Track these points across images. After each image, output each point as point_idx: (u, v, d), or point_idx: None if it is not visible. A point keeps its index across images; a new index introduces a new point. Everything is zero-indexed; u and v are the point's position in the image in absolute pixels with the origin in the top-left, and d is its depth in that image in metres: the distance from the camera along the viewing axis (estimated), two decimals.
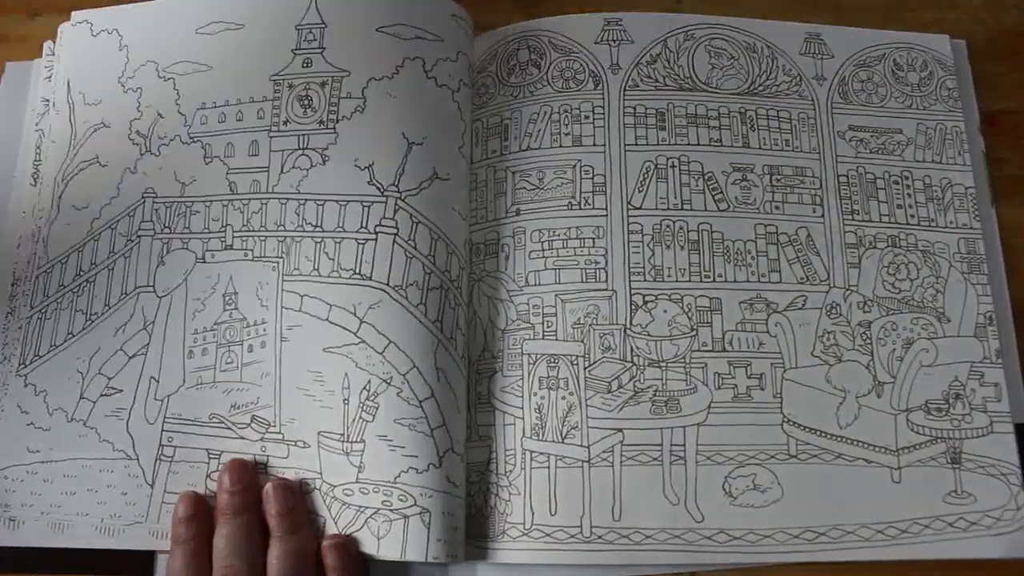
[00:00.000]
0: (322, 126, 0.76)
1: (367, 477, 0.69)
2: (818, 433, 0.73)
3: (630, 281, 0.76)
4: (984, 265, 0.77)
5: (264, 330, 0.74)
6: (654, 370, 0.75)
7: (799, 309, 0.76)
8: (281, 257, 0.75)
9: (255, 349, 0.74)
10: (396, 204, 0.74)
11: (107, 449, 0.73)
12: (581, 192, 0.79)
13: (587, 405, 0.73)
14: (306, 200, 0.75)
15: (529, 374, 0.74)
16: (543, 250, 0.77)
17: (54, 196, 0.80)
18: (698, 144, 0.81)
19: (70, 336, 0.76)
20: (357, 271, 0.73)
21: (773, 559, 0.70)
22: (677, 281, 0.77)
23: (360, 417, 0.70)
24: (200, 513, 0.69)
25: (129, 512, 0.71)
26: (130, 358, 0.74)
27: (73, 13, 0.85)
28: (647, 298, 0.76)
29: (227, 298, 0.75)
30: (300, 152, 0.76)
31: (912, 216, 0.79)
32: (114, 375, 0.74)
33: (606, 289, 0.76)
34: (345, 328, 0.72)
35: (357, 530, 0.68)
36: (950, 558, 0.70)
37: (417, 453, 0.69)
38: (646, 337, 0.75)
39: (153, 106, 0.80)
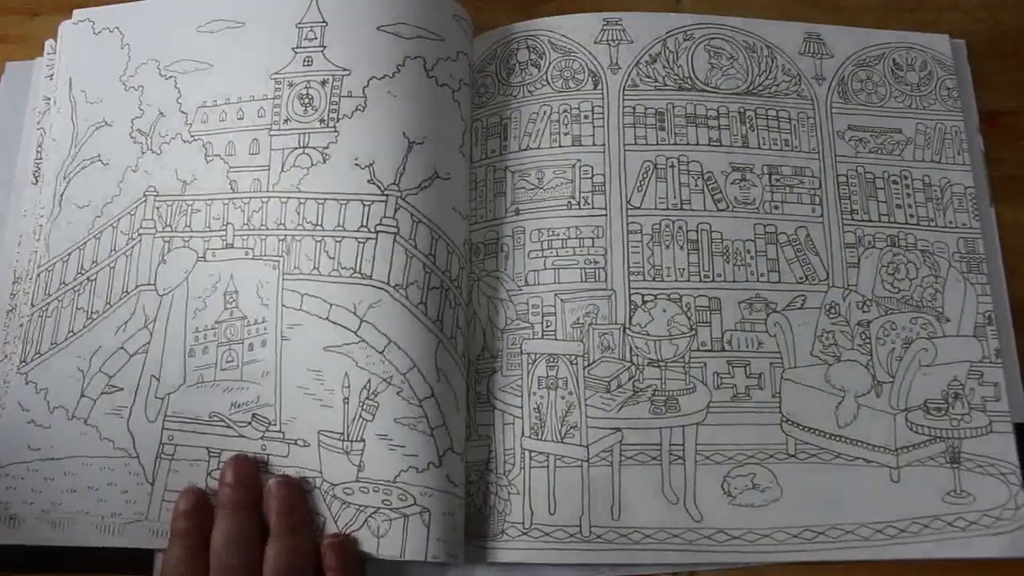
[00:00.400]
0: (323, 124, 0.76)
1: (367, 476, 0.69)
2: (817, 433, 0.73)
3: (629, 281, 0.77)
4: (983, 265, 0.78)
5: (264, 329, 0.74)
6: (653, 370, 0.75)
7: (798, 309, 0.76)
8: (282, 256, 0.75)
9: (255, 348, 0.74)
10: (397, 203, 0.74)
11: (108, 447, 0.73)
12: (580, 192, 0.79)
13: (586, 405, 0.73)
14: (306, 199, 0.75)
15: (528, 374, 0.74)
16: (542, 250, 0.77)
17: (55, 194, 0.80)
18: (697, 144, 0.81)
19: (71, 334, 0.76)
20: (358, 270, 0.73)
21: (772, 558, 0.70)
22: (676, 281, 0.77)
23: (360, 416, 0.70)
24: (201, 508, 0.69)
25: (129, 510, 0.71)
26: (131, 356, 0.74)
27: (74, 11, 0.85)
28: (646, 298, 0.76)
29: (228, 297, 0.75)
30: (301, 150, 0.76)
31: (911, 216, 0.79)
32: (115, 373, 0.74)
33: (605, 289, 0.76)
34: (345, 327, 0.72)
35: (357, 529, 0.68)
36: (949, 558, 0.70)
37: (417, 452, 0.69)
38: (645, 337, 0.75)
39: (154, 104, 0.80)
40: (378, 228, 0.73)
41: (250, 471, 0.70)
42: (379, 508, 0.68)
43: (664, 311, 0.76)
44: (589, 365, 0.74)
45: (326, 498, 0.70)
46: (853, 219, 0.79)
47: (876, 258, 0.78)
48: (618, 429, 0.73)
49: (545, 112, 0.81)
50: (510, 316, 0.76)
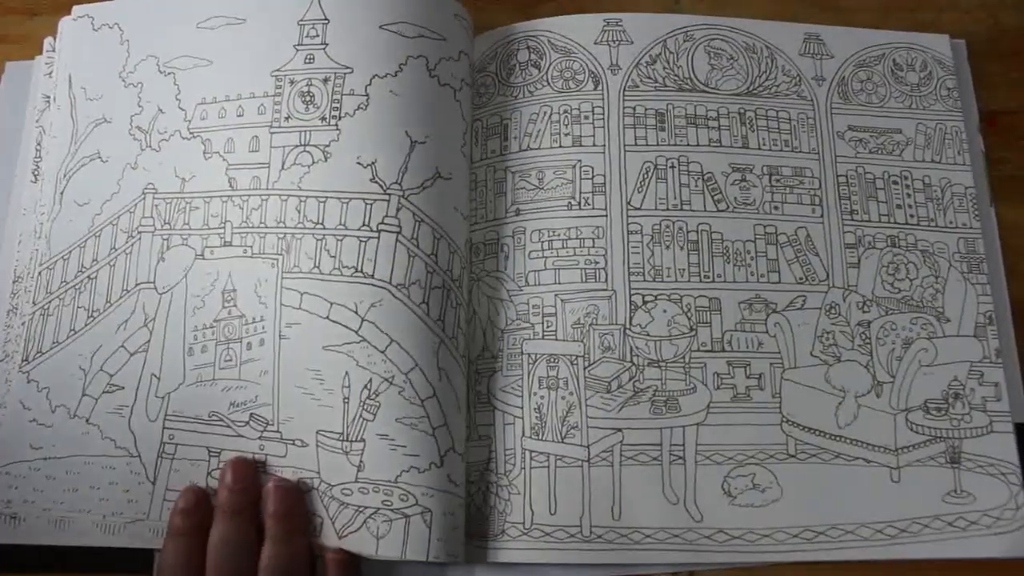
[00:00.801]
0: (324, 122, 0.76)
1: (367, 476, 0.69)
2: (817, 433, 0.73)
3: (630, 281, 0.77)
4: (984, 265, 0.78)
5: (263, 327, 0.74)
6: (653, 370, 0.75)
7: (798, 309, 0.76)
8: (281, 254, 0.74)
9: (253, 347, 0.73)
10: (399, 202, 0.74)
11: (109, 446, 0.72)
12: (581, 192, 0.79)
13: (587, 405, 0.73)
14: (307, 197, 0.75)
15: (529, 374, 0.74)
16: (543, 250, 0.77)
17: (56, 192, 0.79)
18: (697, 145, 0.81)
19: (72, 333, 0.75)
20: (359, 269, 0.73)
21: (772, 558, 0.71)
22: (676, 281, 0.77)
23: (361, 416, 0.70)
24: (200, 507, 0.69)
25: (131, 510, 0.71)
26: (131, 355, 0.74)
27: (74, 7, 0.85)
28: (647, 298, 0.76)
29: (226, 295, 0.74)
30: (302, 148, 0.76)
31: (911, 216, 0.79)
32: (116, 372, 0.74)
33: (606, 289, 0.76)
34: (346, 326, 0.72)
35: (355, 530, 0.68)
36: (949, 558, 0.70)
37: (419, 452, 0.69)
38: (645, 337, 0.75)
39: (153, 101, 0.80)
40: (380, 227, 0.73)
41: (249, 473, 0.70)
42: (379, 509, 0.68)
43: (664, 311, 0.76)
44: (590, 365, 0.74)
45: (324, 499, 0.69)
46: (853, 219, 0.79)
47: (876, 258, 0.78)
48: (619, 429, 0.73)
49: (545, 112, 0.81)
50: (510, 316, 0.76)
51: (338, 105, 0.76)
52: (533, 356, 0.74)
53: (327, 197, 0.75)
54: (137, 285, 0.76)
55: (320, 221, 0.74)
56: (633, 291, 0.76)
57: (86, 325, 0.75)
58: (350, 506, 0.69)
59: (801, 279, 0.77)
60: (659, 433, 0.73)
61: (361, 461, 0.69)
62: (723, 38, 0.84)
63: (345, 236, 0.74)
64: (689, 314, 0.76)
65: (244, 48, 0.80)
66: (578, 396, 0.73)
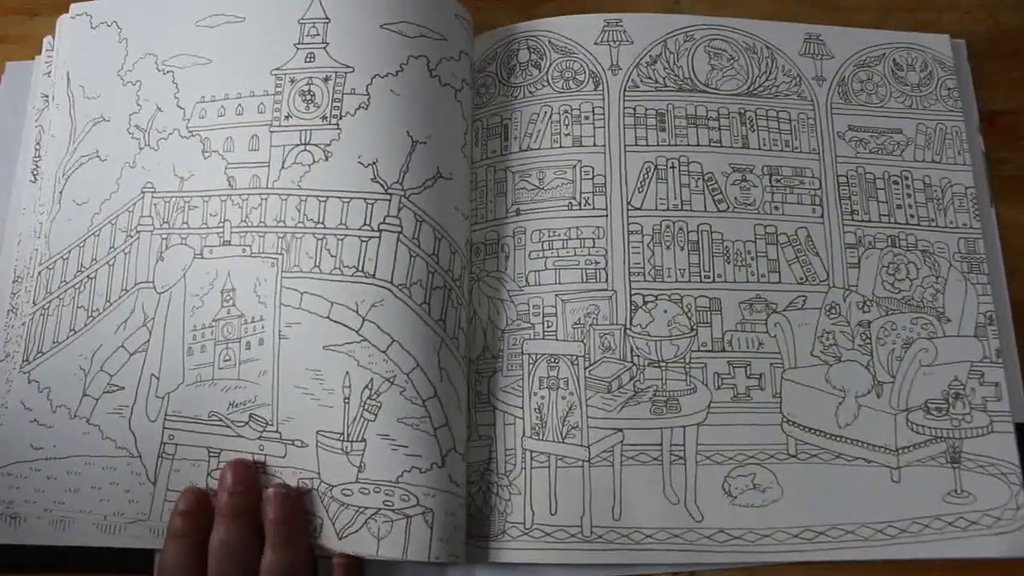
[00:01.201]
0: (325, 122, 0.76)
1: (367, 477, 0.69)
2: (817, 433, 0.73)
3: (630, 281, 0.77)
4: (984, 265, 0.78)
5: (262, 327, 0.73)
6: (654, 370, 0.75)
7: (798, 309, 0.77)
8: (281, 253, 0.74)
9: (253, 346, 0.73)
10: (400, 202, 0.74)
11: (110, 447, 0.72)
12: (581, 192, 0.79)
13: (587, 405, 0.73)
14: (307, 196, 0.75)
15: (529, 374, 0.74)
16: (543, 250, 0.77)
17: (55, 191, 0.79)
18: (698, 145, 0.81)
19: (72, 332, 0.75)
20: (360, 268, 0.72)
21: (772, 559, 0.71)
22: (677, 281, 0.77)
23: (361, 416, 0.70)
24: (200, 509, 0.69)
25: (131, 510, 0.71)
26: (131, 355, 0.74)
27: (72, 5, 0.84)
28: (647, 298, 0.76)
29: (225, 294, 0.74)
30: (302, 147, 0.76)
31: (912, 216, 0.79)
32: (116, 372, 0.74)
33: (606, 289, 0.76)
34: (347, 326, 0.71)
35: (356, 531, 0.68)
36: (950, 558, 0.70)
37: (420, 452, 0.69)
38: (646, 337, 0.75)
39: (152, 99, 0.80)
40: (382, 227, 0.73)
41: (249, 476, 0.70)
42: (380, 509, 0.68)
43: (665, 312, 0.76)
44: (590, 365, 0.74)
45: (324, 499, 0.69)
46: (853, 219, 0.79)
47: (876, 258, 0.78)
48: (619, 429, 0.73)
49: (546, 113, 0.81)
50: (511, 316, 0.76)
51: (339, 104, 0.76)
52: (534, 356, 0.74)
53: (328, 196, 0.74)
54: (136, 285, 0.75)
55: (321, 220, 0.74)
56: (633, 291, 0.76)
57: (86, 325, 0.75)
58: (350, 507, 0.69)
59: (801, 279, 0.77)
60: (659, 433, 0.73)
61: (362, 461, 0.69)
62: (723, 38, 0.84)
63: (346, 236, 0.73)
64: (689, 314, 0.76)
65: (244, 46, 0.79)
66: (579, 396, 0.73)
